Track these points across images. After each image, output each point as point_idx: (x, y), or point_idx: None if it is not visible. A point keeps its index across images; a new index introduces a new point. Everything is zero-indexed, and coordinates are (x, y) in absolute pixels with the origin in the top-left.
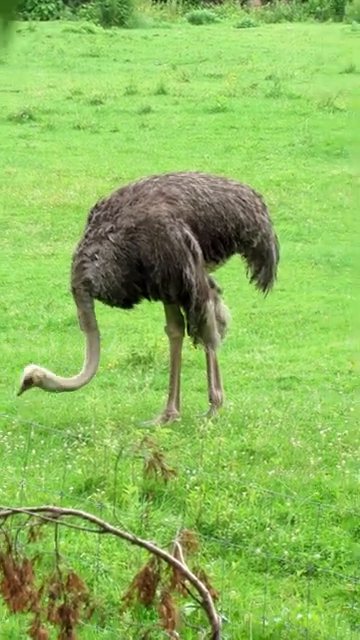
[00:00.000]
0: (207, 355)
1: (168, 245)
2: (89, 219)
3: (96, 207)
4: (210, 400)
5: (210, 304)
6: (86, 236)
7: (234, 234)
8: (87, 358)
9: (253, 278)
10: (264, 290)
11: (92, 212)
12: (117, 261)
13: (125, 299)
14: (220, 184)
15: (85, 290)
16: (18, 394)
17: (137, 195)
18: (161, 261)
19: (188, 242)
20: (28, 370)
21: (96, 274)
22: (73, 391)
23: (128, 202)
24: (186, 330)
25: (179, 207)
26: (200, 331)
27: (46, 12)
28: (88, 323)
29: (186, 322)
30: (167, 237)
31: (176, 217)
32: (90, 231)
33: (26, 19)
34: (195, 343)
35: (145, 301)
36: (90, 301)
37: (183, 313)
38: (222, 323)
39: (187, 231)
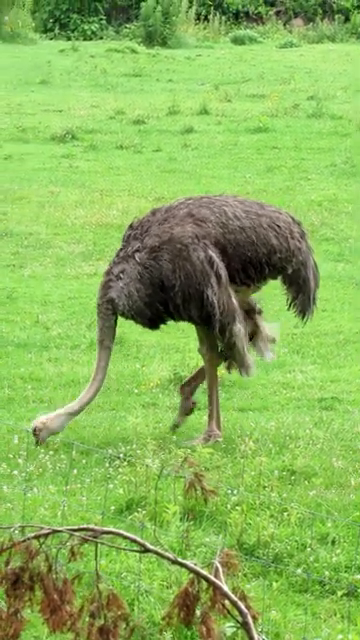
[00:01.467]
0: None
1: (190, 265)
2: (122, 238)
3: (130, 226)
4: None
5: (238, 328)
6: (117, 255)
7: (265, 259)
8: (92, 375)
9: (291, 305)
10: (303, 318)
11: (126, 231)
12: (140, 280)
13: (150, 319)
14: (255, 209)
15: (107, 308)
16: (36, 444)
17: (167, 215)
18: (182, 281)
19: (211, 263)
20: (33, 427)
21: (119, 293)
22: (80, 412)
23: (158, 222)
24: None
25: (206, 229)
26: (231, 355)
27: (89, 32)
28: (102, 341)
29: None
30: (189, 257)
31: (201, 238)
32: (121, 250)
33: (69, 39)
34: (229, 368)
35: (172, 322)
36: (110, 320)
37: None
38: (271, 341)
39: (211, 252)
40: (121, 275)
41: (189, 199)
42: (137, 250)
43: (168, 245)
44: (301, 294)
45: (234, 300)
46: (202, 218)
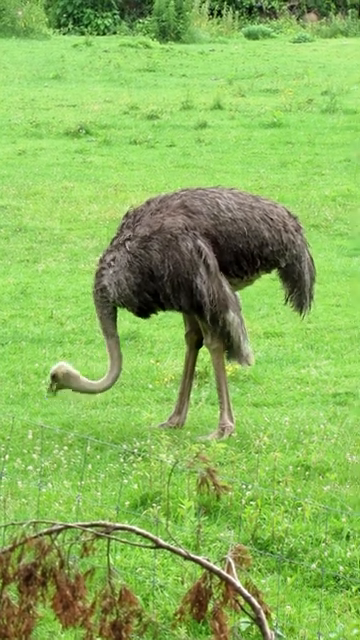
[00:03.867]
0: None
1: (178, 255)
2: (118, 227)
3: (126, 215)
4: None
5: (232, 317)
6: (111, 243)
7: (257, 251)
8: (109, 364)
9: (287, 300)
10: (300, 313)
11: (121, 220)
12: (130, 269)
13: (139, 307)
14: (249, 201)
15: (102, 297)
16: (47, 391)
17: (161, 206)
18: (171, 270)
19: (200, 253)
20: (55, 366)
21: (110, 281)
22: (94, 394)
23: (151, 212)
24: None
25: (197, 220)
26: (228, 345)
27: (103, 27)
28: (105, 329)
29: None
30: (178, 247)
31: (191, 229)
32: (115, 238)
33: (83, 34)
34: (228, 358)
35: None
36: (106, 307)
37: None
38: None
39: (200, 242)
40: (112, 263)
41: (184, 190)
42: (128, 239)
43: (158, 235)
44: (296, 289)
45: (227, 289)
46: (194, 210)
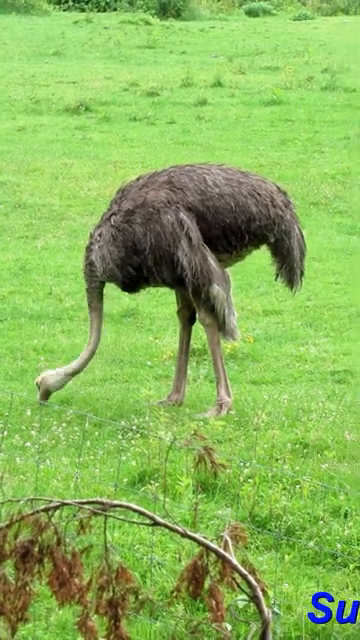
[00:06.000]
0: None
1: (160, 227)
2: (110, 202)
3: (117, 190)
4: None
5: (216, 290)
6: (101, 218)
7: (245, 226)
8: (88, 338)
9: (278, 276)
10: (291, 288)
11: (114, 195)
12: (114, 243)
13: (122, 282)
14: (237, 177)
15: (91, 270)
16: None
17: (148, 181)
18: (152, 243)
19: (182, 225)
20: (35, 381)
21: (96, 255)
22: (79, 372)
23: (138, 187)
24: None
25: (181, 195)
26: (214, 319)
27: (103, 4)
28: (90, 303)
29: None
30: (159, 220)
31: (173, 203)
32: (105, 213)
33: (83, 10)
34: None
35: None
36: (94, 282)
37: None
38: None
39: (183, 215)
40: (98, 238)
41: (174, 167)
42: (113, 213)
43: (141, 209)
44: (286, 264)
45: (211, 262)
46: (180, 185)
